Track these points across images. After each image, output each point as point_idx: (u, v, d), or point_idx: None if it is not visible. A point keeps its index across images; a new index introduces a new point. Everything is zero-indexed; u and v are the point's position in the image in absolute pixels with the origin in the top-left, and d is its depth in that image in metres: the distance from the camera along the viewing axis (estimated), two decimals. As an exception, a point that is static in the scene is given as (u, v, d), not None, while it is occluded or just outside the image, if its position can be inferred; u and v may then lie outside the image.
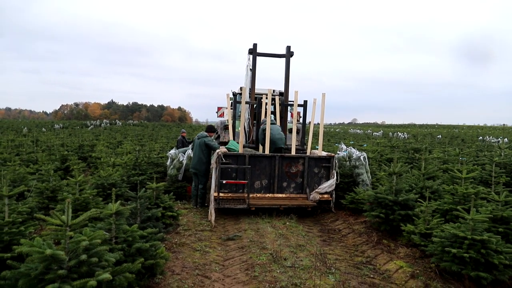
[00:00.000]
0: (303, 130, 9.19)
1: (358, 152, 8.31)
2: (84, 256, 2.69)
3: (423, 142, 17.99)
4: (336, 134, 38.94)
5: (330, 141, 21.63)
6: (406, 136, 35.33)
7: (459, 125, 74.64)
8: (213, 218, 6.66)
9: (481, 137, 28.81)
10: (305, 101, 8.68)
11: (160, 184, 6.06)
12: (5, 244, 3.59)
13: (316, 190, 7.35)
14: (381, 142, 13.96)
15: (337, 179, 7.50)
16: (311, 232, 6.39)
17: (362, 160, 8.06)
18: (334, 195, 7.47)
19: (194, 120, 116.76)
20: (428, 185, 6.65)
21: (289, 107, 9.29)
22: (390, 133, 40.99)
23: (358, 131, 50.12)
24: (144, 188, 5.25)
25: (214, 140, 7.96)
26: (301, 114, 9.09)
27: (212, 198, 6.97)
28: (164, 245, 5.16)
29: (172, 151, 9.21)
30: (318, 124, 8.32)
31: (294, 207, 7.12)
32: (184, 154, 9.04)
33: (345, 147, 9.27)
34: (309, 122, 8.44)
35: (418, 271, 4.54)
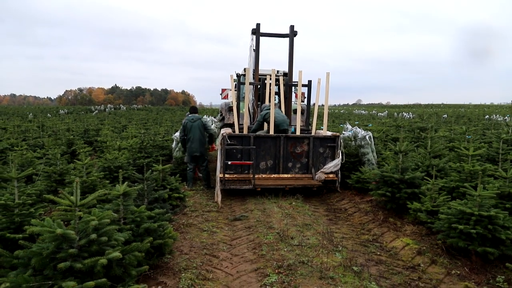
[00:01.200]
0: (307, 110, 9.12)
1: (363, 132, 8.26)
2: (94, 235, 2.72)
3: (428, 121, 17.86)
4: (341, 115, 38.74)
5: (334, 122, 21.54)
6: (411, 116, 35.09)
7: (465, 104, 73.95)
8: (219, 199, 6.73)
9: (487, 116, 28.54)
10: (310, 81, 8.65)
11: (166, 166, 6.09)
12: (16, 225, 3.64)
13: (322, 170, 7.35)
14: (386, 122, 13.88)
15: (342, 159, 7.50)
16: (317, 211, 6.42)
17: (368, 139, 8.02)
18: (339, 175, 7.46)
19: (198, 103, 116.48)
20: (434, 163, 6.62)
21: (293, 87, 9.20)
22: (395, 113, 40.71)
23: (363, 111, 49.79)
24: (150, 170, 5.28)
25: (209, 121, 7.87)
26: (306, 95, 9.05)
27: (218, 179, 7.01)
28: (172, 225, 5.21)
29: (177, 134, 9.21)
30: (323, 105, 8.23)
31: (300, 187, 7.12)
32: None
33: (350, 127, 9.22)
34: (314, 103, 8.38)
35: (424, 247, 4.56)
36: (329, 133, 7.77)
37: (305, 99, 9.29)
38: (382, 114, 41.26)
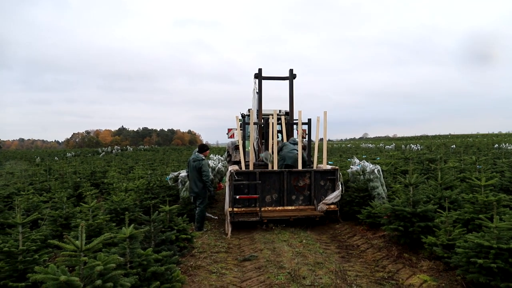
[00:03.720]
0: (308, 146, 9.56)
1: (372, 165, 8.19)
2: (99, 282, 2.65)
3: (437, 152, 17.72)
4: (348, 149, 38.68)
5: (342, 157, 21.46)
6: (419, 147, 34.91)
7: (473, 134, 73.58)
8: (229, 231, 7.16)
9: (496, 145, 28.31)
10: (309, 119, 9.24)
11: (173, 207, 6.02)
12: (19, 273, 3.57)
13: (323, 201, 7.70)
14: (394, 154, 13.79)
15: (342, 190, 7.81)
16: (328, 249, 6.24)
17: (377, 173, 7.93)
18: (339, 206, 7.83)
19: (204, 142, 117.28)
20: (446, 195, 6.50)
21: (294, 125, 9.65)
22: (403, 146, 40.53)
23: (370, 145, 49.68)
24: (157, 211, 5.22)
25: (208, 165, 7.76)
26: (307, 131, 9.50)
27: (227, 212, 7.40)
28: (179, 268, 5.08)
29: (183, 174, 9.19)
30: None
31: (303, 217, 7.49)
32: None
33: (358, 161, 9.16)
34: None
35: (443, 284, 4.38)
36: (329, 167, 8.19)
37: (307, 136, 9.67)
38: (390, 147, 41.07)
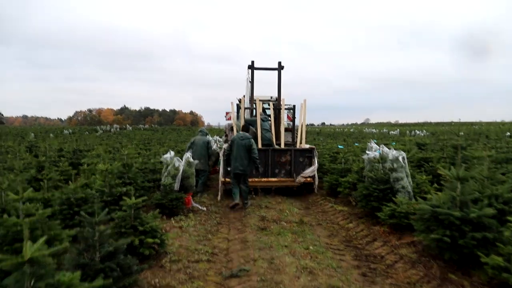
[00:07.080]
0: (293, 128, 10.64)
1: (394, 152, 6.55)
2: None
3: (450, 139, 16.02)
4: (351, 134, 37.02)
5: (346, 141, 19.85)
6: (424, 133, 33.27)
7: (476, 121, 71.40)
8: (220, 195, 8.37)
9: (508, 133, 26.59)
10: (294, 106, 10.80)
11: (138, 200, 4.41)
12: None
13: (301, 174, 8.74)
14: (411, 140, 12.12)
15: (316, 166, 8.82)
16: (343, 260, 4.66)
17: (401, 161, 6.30)
18: (316, 179, 8.90)
19: (206, 123, 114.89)
20: (497, 193, 4.87)
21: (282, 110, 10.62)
22: (407, 132, 38.83)
23: (373, 130, 47.93)
24: (106, 210, 3.61)
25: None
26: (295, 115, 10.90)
27: (220, 182, 8.48)
28: (137, 290, 3.53)
29: (167, 155, 7.57)
30: (310, 124, 8.25)
31: (283, 187, 8.83)
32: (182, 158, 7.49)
33: (376, 146, 7.53)
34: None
35: (529, 338, 2.80)
36: (307, 146, 9.29)
37: (295, 119, 10.95)
38: (394, 133, 39.41)
